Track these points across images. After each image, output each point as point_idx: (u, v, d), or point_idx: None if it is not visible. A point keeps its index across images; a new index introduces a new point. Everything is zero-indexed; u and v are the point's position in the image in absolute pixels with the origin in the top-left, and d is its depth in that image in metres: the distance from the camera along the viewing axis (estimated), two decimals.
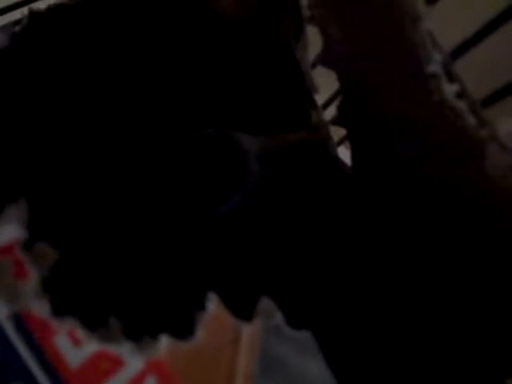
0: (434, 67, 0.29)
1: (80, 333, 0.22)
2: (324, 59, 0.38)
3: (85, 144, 0.36)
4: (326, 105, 0.45)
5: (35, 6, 0.42)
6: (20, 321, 0.23)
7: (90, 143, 0.36)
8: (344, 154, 0.44)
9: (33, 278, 0.22)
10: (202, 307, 0.24)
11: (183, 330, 0.23)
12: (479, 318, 0.31)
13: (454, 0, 0.28)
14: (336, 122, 0.43)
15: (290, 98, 0.45)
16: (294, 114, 0.45)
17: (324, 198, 0.42)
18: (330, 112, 0.44)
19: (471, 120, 0.29)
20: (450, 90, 0.29)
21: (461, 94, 0.29)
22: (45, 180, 0.28)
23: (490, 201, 0.29)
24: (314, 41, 0.41)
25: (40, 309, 0.22)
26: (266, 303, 0.25)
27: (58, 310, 0.22)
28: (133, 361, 0.23)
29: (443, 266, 0.34)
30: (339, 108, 0.42)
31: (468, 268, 0.31)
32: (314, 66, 0.44)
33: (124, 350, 0.23)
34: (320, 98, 0.45)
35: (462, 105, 0.29)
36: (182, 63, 0.46)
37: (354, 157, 0.43)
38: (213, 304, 0.24)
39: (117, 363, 0.23)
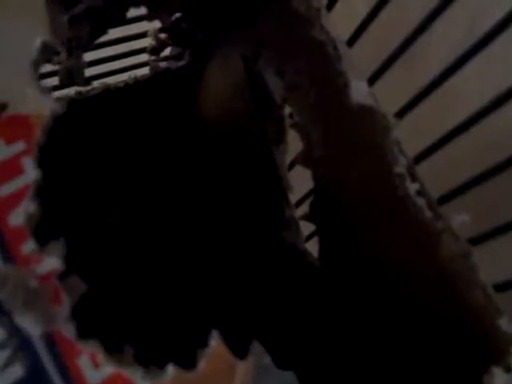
0: (400, 168, 0.35)
1: (100, 356, 0.26)
2: (303, 160, 0.44)
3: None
4: (299, 202, 0.50)
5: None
6: (51, 340, 0.26)
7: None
8: (313, 246, 0.49)
9: (65, 304, 0.26)
10: (205, 344, 0.27)
11: (188, 362, 0.27)
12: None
13: (418, 114, 0.34)
14: (307, 217, 0.48)
15: (265, 195, 0.50)
16: (270, 210, 0.50)
17: (292, 288, 0.46)
18: (303, 209, 0.49)
19: (429, 214, 0.34)
20: (412, 187, 0.35)
21: (421, 192, 0.35)
22: (82, 225, 0.32)
23: (443, 283, 0.34)
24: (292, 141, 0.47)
25: (68, 331, 0.25)
26: (257, 346, 0.29)
27: (83, 334, 0.26)
28: None
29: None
30: (311, 205, 0.47)
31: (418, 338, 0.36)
32: (292, 166, 0.49)
33: (136, 374, 0.26)
34: (293, 197, 0.50)
35: (421, 201, 0.35)
36: (164, 169, 0.51)
37: (321, 251, 0.47)
38: (214, 340, 0.27)
39: None
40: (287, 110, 0.47)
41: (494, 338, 0.32)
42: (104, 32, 0.41)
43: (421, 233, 0.35)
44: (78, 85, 0.42)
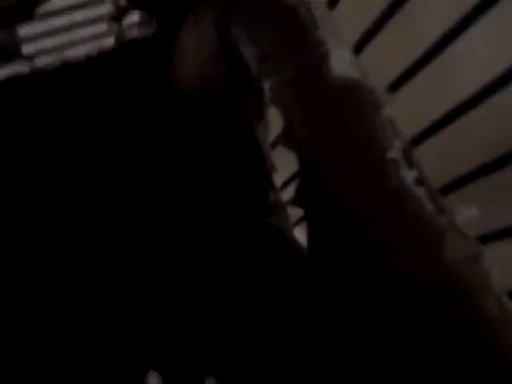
0: (394, 153, 0.29)
1: None
2: (284, 140, 0.38)
3: None
4: (285, 185, 0.45)
5: None
6: None
7: None
8: (300, 233, 0.44)
9: None
10: None
11: None
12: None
13: (417, 84, 0.29)
14: (294, 202, 0.42)
15: (249, 177, 0.45)
16: (252, 194, 0.45)
17: (280, 280, 0.42)
18: (289, 192, 0.44)
19: (430, 207, 0.29)
20: (409, 176, 0.29)
21: (420, 181, 0.29)
22: None
23: (449, 291, 0.29)
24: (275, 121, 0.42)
25: None
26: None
27: None
28: None
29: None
30: (297, 189, 0.41)
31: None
32: (274, 145, 0.44)
33: None
34: (278, 179, 0.45)
35: (420, 191, 0.29)
36: (141, 144, 0.46)
37: (310, 239, 0.42)
38: None
39: None
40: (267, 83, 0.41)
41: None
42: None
43: (420, 230, 0.29)
44: (15, 60, 0.36)
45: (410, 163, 0.29)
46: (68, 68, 0.44)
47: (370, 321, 0.36)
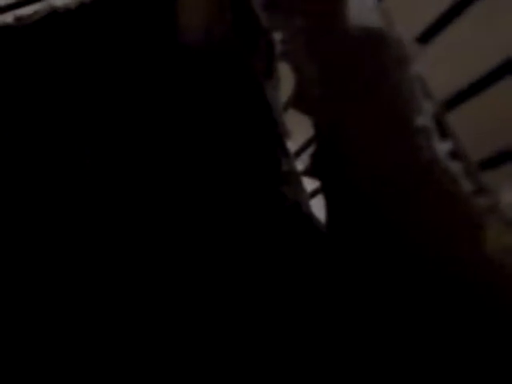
0: (424, 120, 0.25)
1: None
2: (296, 101, 0.34)
3: None
4: (299, 153, 0.40)
5: None
6: None
7: None
8: (317, 206, 0.40)
9: None
10: None
11: None
12: None
13: (451, 37, 0.23)
14: (309, 172, 0.38)
15: (258, 143, 0.40)
16: (263, 162, 0.40)
17: (296, 259, 0.38)
18: (303, 161, 0.40)
19: (467, 186, 0.24)
20: (442, 148, 0.24)
21: (455, 154, 0.24)
22: None
23: (487, 285, 0.24)
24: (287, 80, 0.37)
25: None
26: None
27: None
28: None
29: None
30: (313, 157, 0.37)
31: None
32: (286, 108, 0.39)
33: None
34: (292, 145, 0.40)
35: (456, 167, 0.24)
36: (147, 97, 0.42)
37: (329, 213, 0.38)
38: None
39: None
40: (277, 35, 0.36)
41: None
42: None
43: (455, 212, 0.25)
44: None
45: (443, 132, 0.25)
46: (56, 17, 0.40)
47: (390, 303, 0.32)
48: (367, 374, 0.31)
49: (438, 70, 0.25)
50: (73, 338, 0.31)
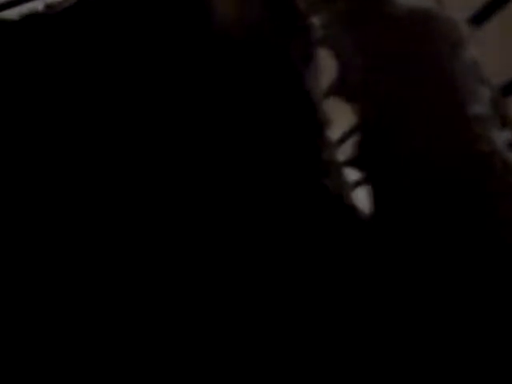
0: (480, 107, 0.23)
1: None
2: (338, 89, 0.32)
3: None
4: (340, 143, 0.38)
5: None
6: None
7: None
8: (361, 198, 0.38)
9: None
10: None
11: None
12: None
13: (507, 18, 0.21)
14: (353, 163, 0.37)
15: (297, 133, 0.39)
16: (302, 152, 0.39)
17: (339, 255, 0.37)
18: (345, 150, 0.38)
19: None
20: (500, 137, 0.23)
21: None
22: None
23: None
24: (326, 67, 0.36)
25: None
26: None
27: None
28: None
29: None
30: (357, 147, 0.36)
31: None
32: (327, 96, 0.38)
33: None
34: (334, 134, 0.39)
35: None
36: (183, 87, 0.41)
37: (374, 205, 0.37)
38: None
39: None
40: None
41: None
42: None
43: None
44: None
45: (503, 120, 0.23)
46: (86, 4, 0.39)
47: (437, 297, 0.30)
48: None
49: (493, 53, 0.24)
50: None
